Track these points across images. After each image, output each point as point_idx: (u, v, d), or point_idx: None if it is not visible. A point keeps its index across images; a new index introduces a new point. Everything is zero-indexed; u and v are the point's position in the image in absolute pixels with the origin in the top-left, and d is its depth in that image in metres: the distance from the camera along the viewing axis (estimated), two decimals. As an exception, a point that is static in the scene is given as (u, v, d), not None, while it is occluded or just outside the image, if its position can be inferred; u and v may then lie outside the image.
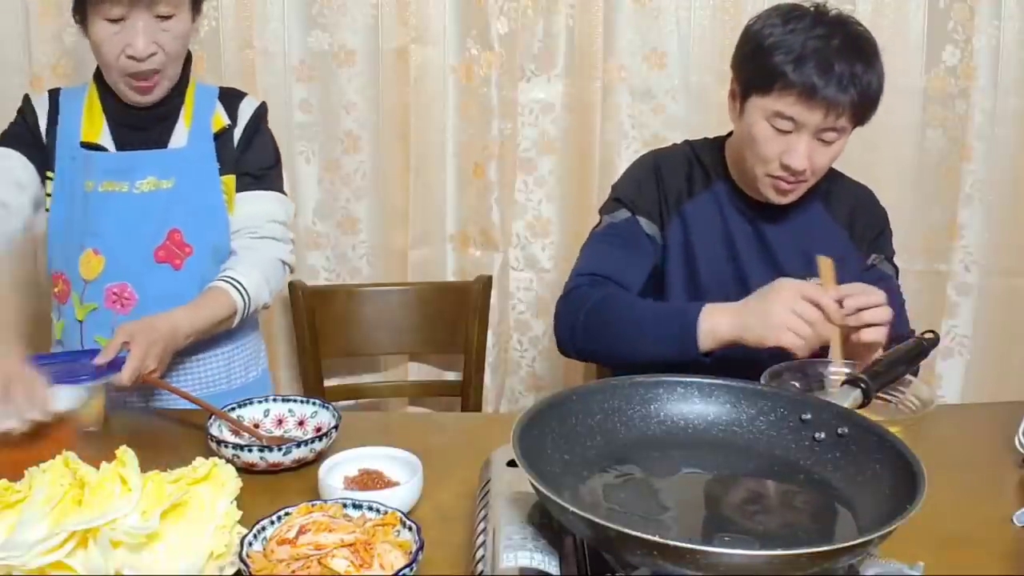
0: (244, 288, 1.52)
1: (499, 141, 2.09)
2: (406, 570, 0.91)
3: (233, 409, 1.34)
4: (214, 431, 1.27)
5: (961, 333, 2.19)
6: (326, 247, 2.18)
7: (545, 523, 0.94)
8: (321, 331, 2.03)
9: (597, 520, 0.80)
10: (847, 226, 1.58)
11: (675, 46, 2.05)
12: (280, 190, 1.65)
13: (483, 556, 0.92)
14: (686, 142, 1.64)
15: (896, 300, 1.60)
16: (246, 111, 1.62)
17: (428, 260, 2.17)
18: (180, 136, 1.57)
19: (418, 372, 2.24)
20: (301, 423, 1.36)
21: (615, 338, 1.44)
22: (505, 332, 2.22)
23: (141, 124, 1.56)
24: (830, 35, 1.38)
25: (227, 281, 1.52)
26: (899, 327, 1.60)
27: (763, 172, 1.46)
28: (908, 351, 1.23)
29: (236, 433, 1.31)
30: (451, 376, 2.21)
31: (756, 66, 1.42)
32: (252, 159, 1.61)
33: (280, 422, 1.36)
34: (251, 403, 1.36)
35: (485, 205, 2.13)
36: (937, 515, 0.92)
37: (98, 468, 0.97)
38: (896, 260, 1.63)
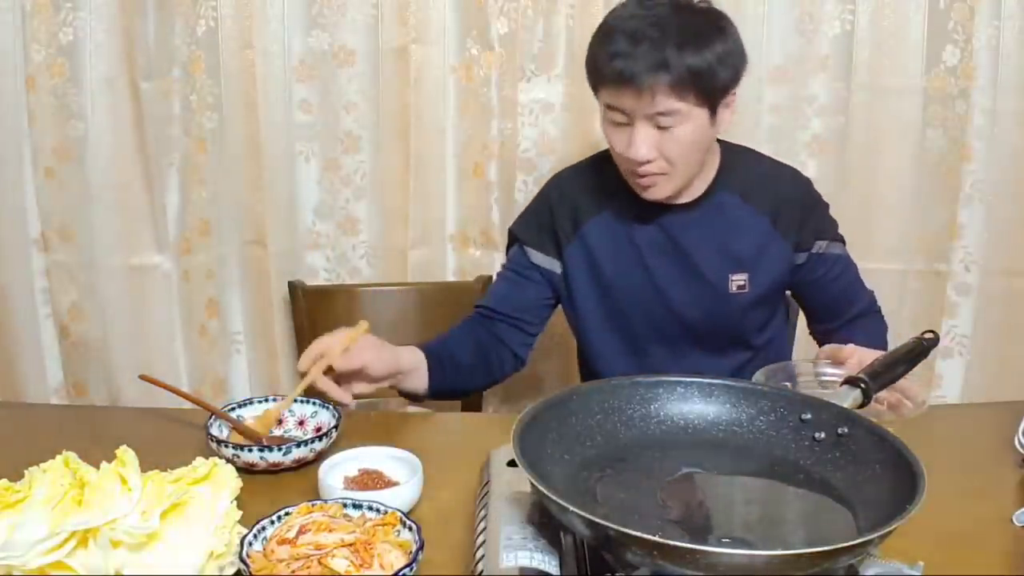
0: None
1: (499, 141, 2.08)
2: (406, 570, 0.91)
3: (233, 409, 1.34)
4: (214, 431, 1.27)
5: (961, 333, 2.19)
6: (326, 247, 2.18)
7: (545, 523, 0.94)
8: (321, 331, 2.02)
9: (597, 520, 0.80)
10: (769, 212, 1.48)
11: (675, 46, 2.05)
12: None
13: (483, 556, 0.92)
14: (596, 155, 1.59)
15: (851, 273, 1.57)
16: None
17: (428, 260, 2.17)
18: None
19: (418, 372, 2.23)
20: (301, 423, 1.36)
21: None
22: (505, 332, 2.21)
23: None
24: (645, 16, 1.30)
25: None
26: (857, 297, 1.57)
27: (624, 170, 1.41)
28: (908, 351, 1.23)
29: (236, 433, 1.31)
30: (451, 376, 2.21)
31: (588, 62, 1.38)
32: None
33: (280, 422, 1.35)
34: (251, 403, 1.36)
35: (485, 205, 2.12)
36: (937, 515, 0.92)
37: (98, 468, 0.97)
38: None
